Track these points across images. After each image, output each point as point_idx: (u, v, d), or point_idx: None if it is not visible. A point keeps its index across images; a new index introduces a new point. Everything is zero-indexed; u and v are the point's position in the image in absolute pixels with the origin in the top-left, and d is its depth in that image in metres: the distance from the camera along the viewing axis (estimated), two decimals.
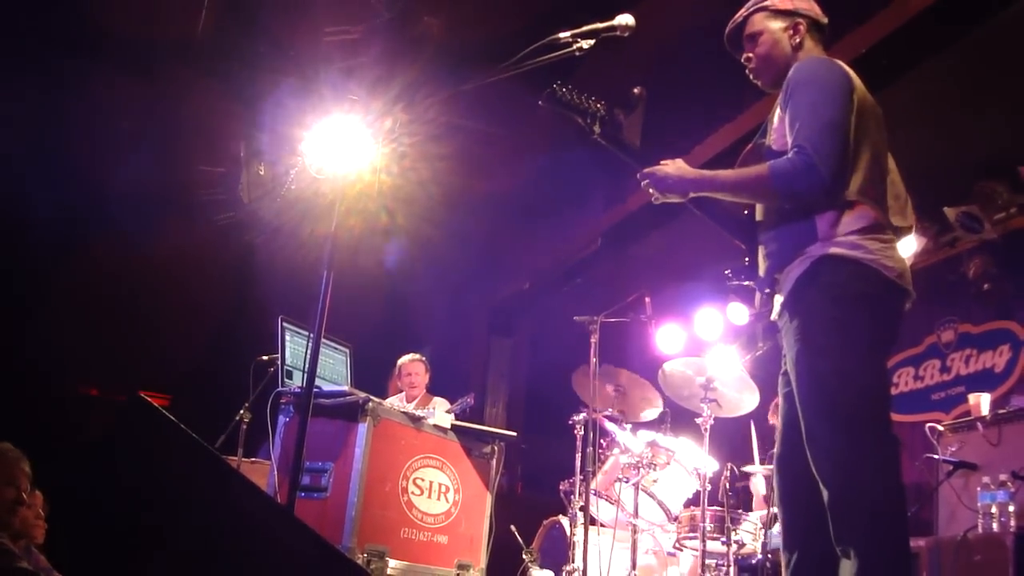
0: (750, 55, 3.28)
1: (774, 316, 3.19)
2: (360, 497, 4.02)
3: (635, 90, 3.48)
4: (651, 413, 5.94)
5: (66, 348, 9.18)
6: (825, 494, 2.82)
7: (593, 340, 5.38)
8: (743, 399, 5.52)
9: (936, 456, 5.10)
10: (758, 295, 3.28)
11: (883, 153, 3.12)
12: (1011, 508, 4.48)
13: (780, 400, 3.17)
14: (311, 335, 3.56)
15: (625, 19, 3.38)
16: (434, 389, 7.06)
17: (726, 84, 6.15)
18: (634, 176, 3.29)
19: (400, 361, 7.10)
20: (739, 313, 7.48)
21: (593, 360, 5.33)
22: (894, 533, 2.81)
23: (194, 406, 9.83)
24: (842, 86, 3.04)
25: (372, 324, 8.87)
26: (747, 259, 3.34)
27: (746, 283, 3.37)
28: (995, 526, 4.50)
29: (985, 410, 5.17)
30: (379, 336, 8.34)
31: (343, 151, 8.07)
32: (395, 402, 6.61)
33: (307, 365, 3.59)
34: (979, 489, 4.76)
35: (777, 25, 3.24)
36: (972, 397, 5.37)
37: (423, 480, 4.33)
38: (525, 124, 7.23)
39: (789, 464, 3.09)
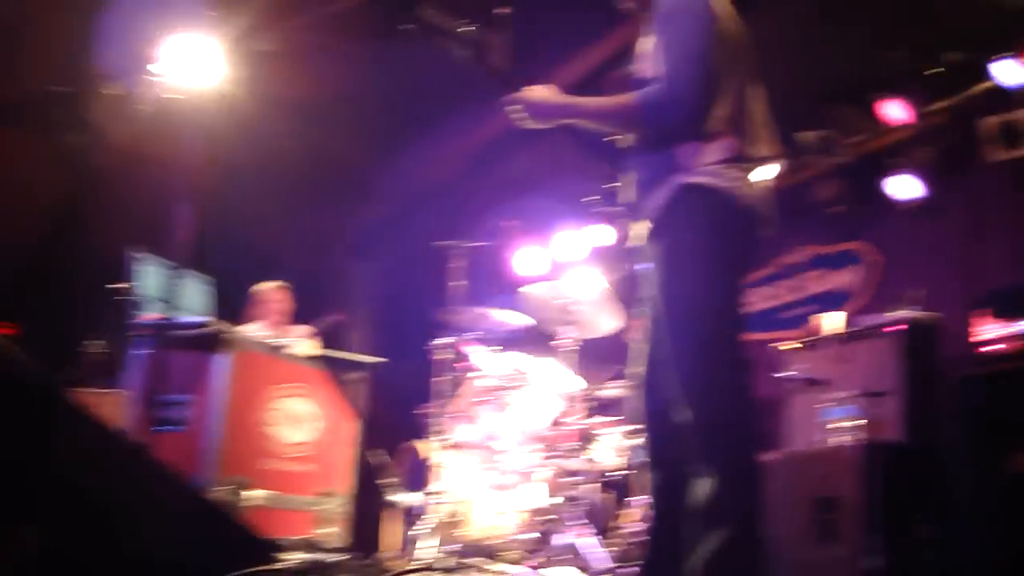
0: None
1: (638, 241, 3.24)
2: (221, 429, 3.95)
3: (500, 9, 3.46)
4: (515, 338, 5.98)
5: None
6: (686, 414, 2.92)
7: (454, 267, 5.37)
8: (603, 321, 5.61)
9: (784, 373, 5.30)
10: (626, 220, 3.33)
11: (746, 83, 3.18)
12: (856, 423, 4.69)
13: (646, 322, 3.24)
14: (170, 266, 3.43)
15: None
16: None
17: (589, 4, 6.19)
18: (499, 98, 3.27)
19: (259, 288, 6.84)
20: (603, 234, 7.59)
21: (455, 284, 5.32)
22: (746, 452, 2.94)
23: (39, 336, 9.54)
24: (707, 16, 3.07)
25: (226, 250, 8.68)
26: (614, 183, 3.39)
27: (612, 208, 3.41)
28: (841, 439, 4.71)
29: (832, 327, 5.37)
30: (234, 262, 8.15)
31: (194, 69, 7.79)
32: (254, 331, 6.49)
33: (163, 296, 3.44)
34: (826, 403, 4.98)
35: None
36: (822, 316, 5.56)
37: (285, 409, 4.28)
38: (387, 42, 7.06)
39: (652, 385, 3.17)
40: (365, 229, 9.10)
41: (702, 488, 2.89)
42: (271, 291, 6.80)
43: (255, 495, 4.03)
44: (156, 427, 3.98)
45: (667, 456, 3.12)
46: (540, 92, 3.24)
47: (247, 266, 8.08)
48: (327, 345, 6.57)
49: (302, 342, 4.47)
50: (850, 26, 5.97)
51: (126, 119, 7.94)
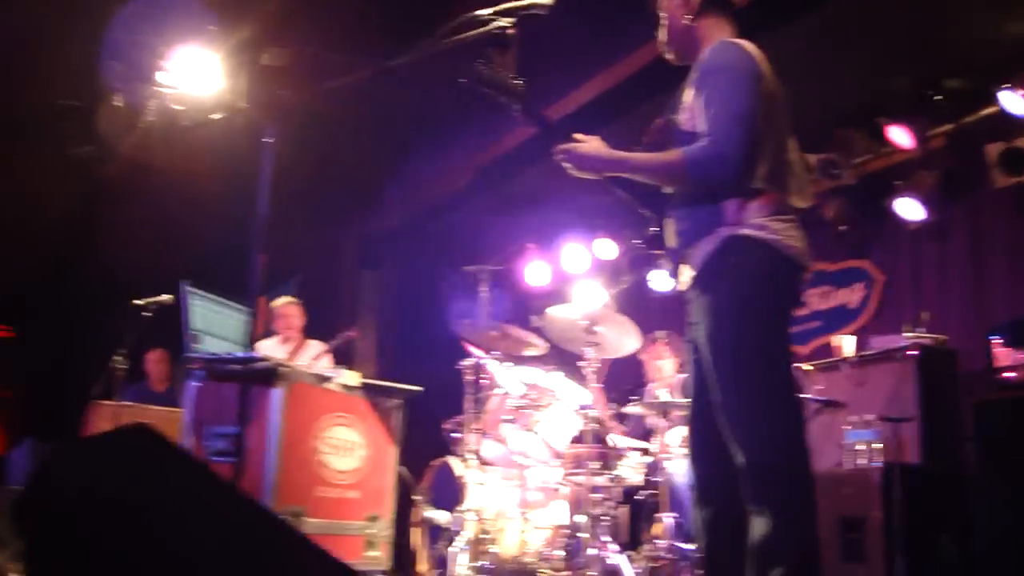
0: (660, 34, 3.41)
1: (681, 287, 3.37)
2: (277, 460, 4.07)
3: (507, 29, 3.57)
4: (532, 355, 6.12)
5: None
6: (740, 458, 3.06)
7: (482, 289, 5.50)
8: (624, 341, 5.75)
9: (805, 396, 5.47)
10: (671, 264, 3.47)
11: (786, 137, 3.32)
12: (877, 446, 4.89)
13: (689, 365, 3.37)
14: (214, 299, 3.53)
15: None
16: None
17: (603, 29, 6.32)
18: (509, 114, 3.39)
19: (273, 304, 6.95)
20: (606, 248, 7.75)
21: (483, 307, 5.45)
22: (803, 493, 3.08)
23: (46, 344, 9.59)
24: (753, 74, 3.19)
25: (236, 261, 8.72)
26: (655, 228, 3.52)
27: (655, 253, 3.55)
28: (862, 461, 4.90)
29: (849, 351, 5.55)
30: (242, 269, 8.20)
31: (202, 81, 7.84)
32: (270, 347, 6.59)
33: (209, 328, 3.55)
34: (845, 427, 5.17)
35: (673, 4, 3.37)
36: (835, 339, 5.73)
37: (334, 438, 4.41)
38: (396, 56, 7.14)
39: (701, 424, 3.31)
40: (375, 242, 9.17)
41: (758, 528, 3.03)
42: (285, 306, 6.90)
43: (310, 523, 4.15)
44: (211, 458, 4.11)
45: (717, 494, 3.26)
46: (588, 144, 3.35)
47: (258, 280, 8.16)
48: (339, 360, 6.70)
49: (348, 372, 4.59)
50: (855, 51, 6.14)
51: (133, 132, 8.00)
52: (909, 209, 6.33)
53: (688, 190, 3.26)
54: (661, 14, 3.40)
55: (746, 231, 3.11)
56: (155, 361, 7.57)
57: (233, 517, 2.19)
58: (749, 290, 3.12)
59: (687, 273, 3.28)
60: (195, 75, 7.70)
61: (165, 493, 2.06)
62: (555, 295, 7.53)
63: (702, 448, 3.32)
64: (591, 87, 6.63)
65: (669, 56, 3.48)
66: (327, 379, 4.49)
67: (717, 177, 3.11)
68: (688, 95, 3.29)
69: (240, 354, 4.33)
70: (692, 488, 3.34)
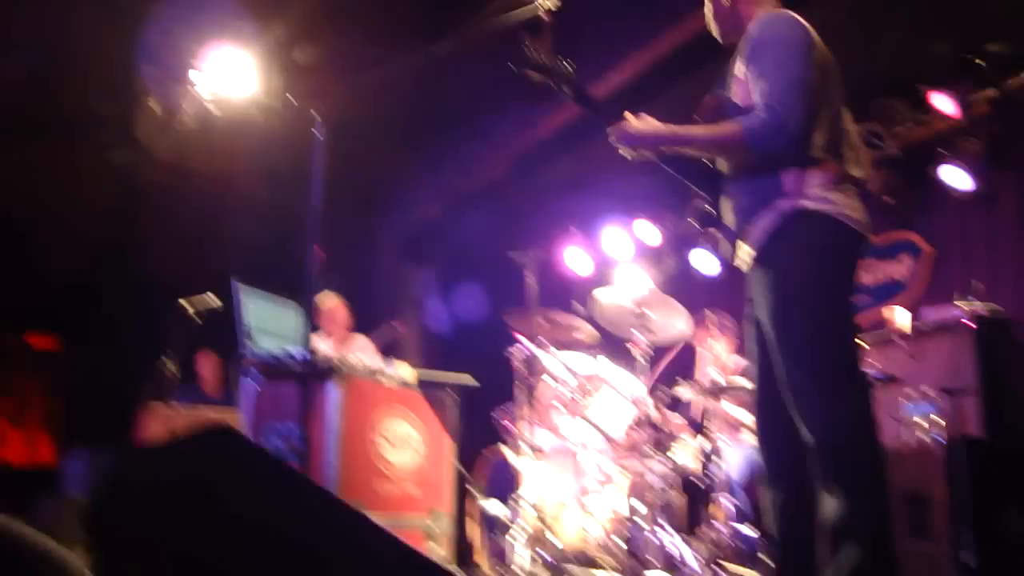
0: (705, 10, 3.38)
1: (741, 264, 3.33)
2: (338, 457, 4.08)
3: (542, 14, 3.56)
4: (580, 341, 6.10)
5: None
6: (809, 438, 3.02)
7: (528, 275, 5.47)
8: (674, 323, 5.71)
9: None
10: (726, 243, 3.43)
11: (840, 106, 3.28)
12: (937, 420, 4.82)
13: (751, 344, 3.34)
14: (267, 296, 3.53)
15: None
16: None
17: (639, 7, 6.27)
18: (547, 100, 3.39)
19: (318, 299, 6.93)
20: (648, 231, 7.71)
21: (531, 294, 5.43)
22: (875, 469, 3.05)
23: (92, 351, 9.67)
24: (806, 44, 3.17)
25: (276, 256, 8.76)
26: (709, 207, 3.48)
27: (712, 231, 3.51)
28: (922, 436, 4.84)
29: (902, 324, 5.48)
30: (287, 267, 8.23)
31: (238, 80, 7.86)
32: (316, 342, 6.59)
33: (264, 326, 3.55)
34: (902, 400, 5.11)
35: None
36: (886, 311, 5.66)
37: (392, 433, 4.41)
38: (430, 47, 7.11)
39: (768, 405, 3.28)
40: (415, 234, 9.17)
41: (830, 507, 3.01)
42: (329, 301, 6.89)
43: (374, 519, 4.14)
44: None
45: (788, 475, 3.23)
46: (642, 122, 3.33)
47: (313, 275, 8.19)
48: (386, 353, 6.70)
49: (403, 366, 4.59)
50: (894, 17, 6.06)
51: (171, 134, 8.04)
52: (955, 177, 6.23)
53: (745, 163, 3.24)
54: None
55: (807, 204, 3.09)
56: (206, 362, 7.61)
57: (321, 514, 2.18)
58: (813, 264, 3.10)
59: (746, 250, 3.25)
60: (230, 75, 7.74)
61: (252, 493, 2.06)
62: (598, 280, 7.51)
63: (771, 430, 3.30)
64: (629, 65, 6.57)
65: (716, 34, 3.46)
66: (382, 373, 4.49)
67: (776, 146, 3.09)
68: (739, 69, 3.26)
69: (296, 351, 4.34)
70: (762, 471, 3.31)
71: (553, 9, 3.54)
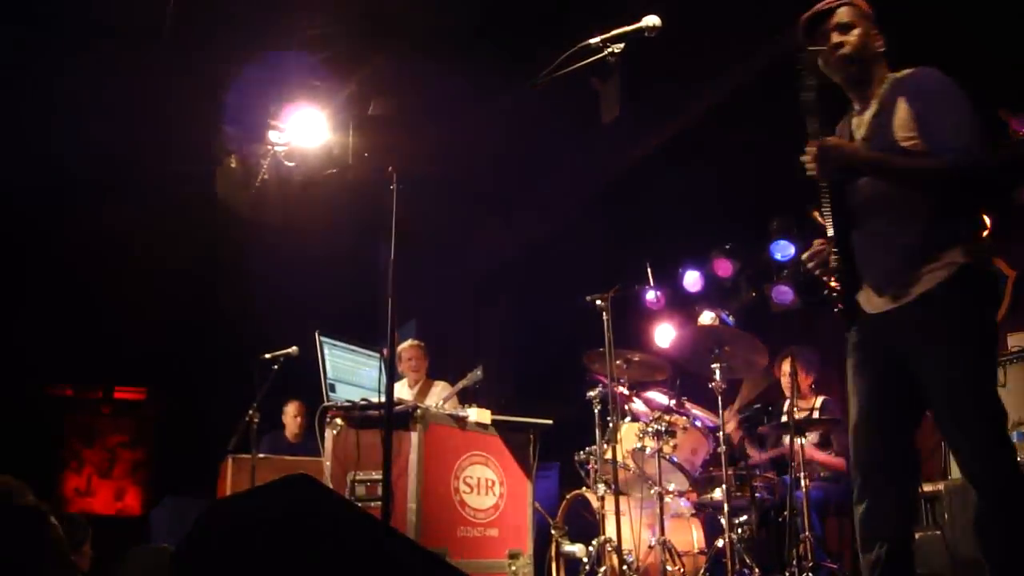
0: (842, 41, 3.35)
1: (876, 308, 3.28)
2: (418, 503, 4.13)
3: (610, 57, 3.58)
4: (658, 380, 6.09)
5: (33, 346, 9.15)
6: (978, 490, 3.05)
7: (605, 317, 5.47)
8: (752, 358, 5.67)
9: None
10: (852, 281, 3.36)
11: None
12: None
13: (857, 383, 3.30)
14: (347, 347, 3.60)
15: (651, 20, 3.48)
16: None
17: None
18: (612, 144, 3.39)
19: (398, 347, 7.06)
20: (723, 267, 7.69)
21: (607, 336, 5.43)
22: None
23: (178, 403, 9.93)
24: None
25: (352, 305, 8.94)
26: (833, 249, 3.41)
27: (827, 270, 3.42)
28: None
29: None
30: (363, 316, 8.39)
31: (313, 136, 8.08)
32: (397, 389, 6.68)
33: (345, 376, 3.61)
34: None
35: (867, 26, 3.36)
36: None
37: (472, 477, 4.46)
38: (507, 93, 7.19)
39: (870, 452, 3.25)
40: (490, 278, 9.26)
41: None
42: (410, 349, 6.99)
43: (453, 564, 4.18)
44: (356, 504, 4.18)
45: (892, 529, 3.19)
46: (840, 141, 3.34)
47: (370, 317, 8.35)
48: (464, 398, 6.76)
49: (480, 411, 4.64)
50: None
51: (250, 191, 8.28)
52: None
53: (906, 199, 3.21)
54: (852, 28, 3.35)
55: (981, 262, 3.14)
56: (291, 412, 7.76)
57: (401, 562, 2.23)
58: (982, 318, 3.16)
59: (897, 290, 3.21)
60: (306, 131, 7.97)
61: (333, 541, 2.12)
62: (676, 317, 7.50)
63: (874, 476, 3.24)
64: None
65: (844, 71, 3.40)
66: (461, 419, 4.55)
67: (974, 187, 3.13)
68: (898, 113, 3.22)
69: (376, 400, 4.41)
70: (862, 523, 3.24)
71: (615, 55, 3.56)
